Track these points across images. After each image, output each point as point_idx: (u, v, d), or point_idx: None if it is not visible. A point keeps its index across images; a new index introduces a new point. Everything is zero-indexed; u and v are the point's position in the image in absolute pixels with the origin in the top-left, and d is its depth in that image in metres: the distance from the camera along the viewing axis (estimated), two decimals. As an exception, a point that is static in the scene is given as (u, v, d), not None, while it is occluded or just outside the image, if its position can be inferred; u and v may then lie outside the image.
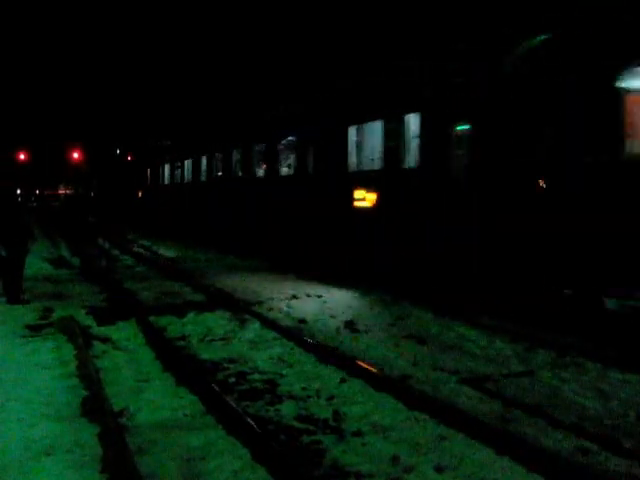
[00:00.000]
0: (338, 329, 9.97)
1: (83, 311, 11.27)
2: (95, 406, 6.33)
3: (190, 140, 29.91)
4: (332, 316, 10.91)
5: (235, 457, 5.33)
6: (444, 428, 5.91)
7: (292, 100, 20.87)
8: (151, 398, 6.84)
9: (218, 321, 10.58)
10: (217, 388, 7.15)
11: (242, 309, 11.35)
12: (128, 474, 4.81)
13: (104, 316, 10.86)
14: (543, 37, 10.06)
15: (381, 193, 13.70)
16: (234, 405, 6.58)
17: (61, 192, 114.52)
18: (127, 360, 8.41)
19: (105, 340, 9.37)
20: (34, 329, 9.85)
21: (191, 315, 10.97)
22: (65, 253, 22.07)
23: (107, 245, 25.78)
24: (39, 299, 12.38)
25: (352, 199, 14.59)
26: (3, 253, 12.03)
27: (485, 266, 10.65)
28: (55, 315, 10.86)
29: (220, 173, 24.32)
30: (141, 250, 23.19)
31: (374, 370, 7.64)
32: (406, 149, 13.16)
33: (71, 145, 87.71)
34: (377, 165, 14.18)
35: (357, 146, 15.07)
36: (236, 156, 22.46)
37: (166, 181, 32.55)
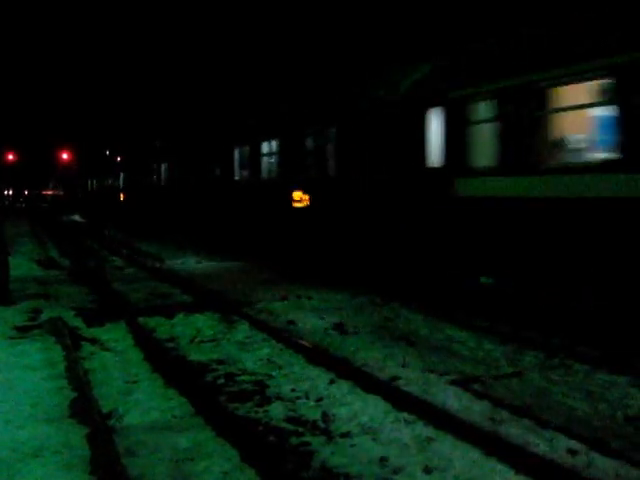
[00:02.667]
0: (327, 330, 9.98)
1: (72, 312, 11.22)
2: (83, 407, 6.31)
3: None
4: (321, 317, 10.92)
5: (224, 458, 5.32)
6: (433, 429, 5.92)
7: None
8: (140, 399, 6.82)
9: (207, 322, 10.57)
10: (206, 389, 7.16)
11: (231, 310, 11.32)
12: (117, 476, 4.80)
13: (93, 317, 10.82)
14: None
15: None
16: (223, 406, 6.59)
17: (49, 192, 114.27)
18: (116, 361, 8.38)
19: (94, 341, 9.34)
20: (22, 330, 9.81)
21: (180, 316, 10.95)
22: (54, 254, 21.98)
23: (96, 246, 25.69)
24: (27, 300, 12.32)
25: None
26: None
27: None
28: (44, 316, 10.81)
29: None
30: (129, 252, 23.08)
31: (363, 371, 7.65)
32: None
33: (60, 146, 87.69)
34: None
35: None
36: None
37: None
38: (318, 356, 8.33)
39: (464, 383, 7.33)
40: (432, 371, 7.83)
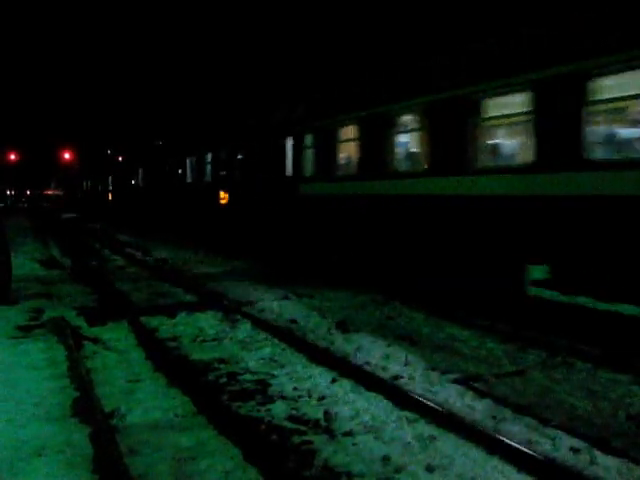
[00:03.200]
0: (329, 329, 9.97)
1: (74, 312, 11.23)
2: (86, 407, 6.31)
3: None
4: (323, 316, 10.92)
5: (226, 457, 5.33)
6: (435, 428, 5.93)
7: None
8: (142, 399, 6.83)
9: (209, 321, 10.57)
10: (208, 388, 7.16)
11: (233, 309, 11.34)
12: (119, 475, 4.81)
13: (95, 317, 10.83)
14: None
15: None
16: (225, 405, 6.59)
17: (50, 192, 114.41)
18: (118, 361, 8.39)
19: (96, 341, 9.34)
20: (24, 330, 9.81)
21: (182, 315, 10.95)
22: (56, 253, 22.00)
23: (98, 245, 25.71)
24: (30, 300, 12.33)
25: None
26: None
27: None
28: (46, 316, 10.81)
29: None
30: (131, 250, 23.10)
31: (365, 370, 7.65)
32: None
33: (62, 145, 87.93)
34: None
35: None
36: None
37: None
38: (320, 355, 8.34)
39: (466, 382, 7.33)
40: (434, 370, 7.83)
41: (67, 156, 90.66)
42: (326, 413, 6.33)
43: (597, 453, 5.35)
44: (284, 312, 11.32)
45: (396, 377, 7.49)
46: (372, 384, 7.09)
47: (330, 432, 5.91)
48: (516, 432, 5.81)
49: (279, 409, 6.52)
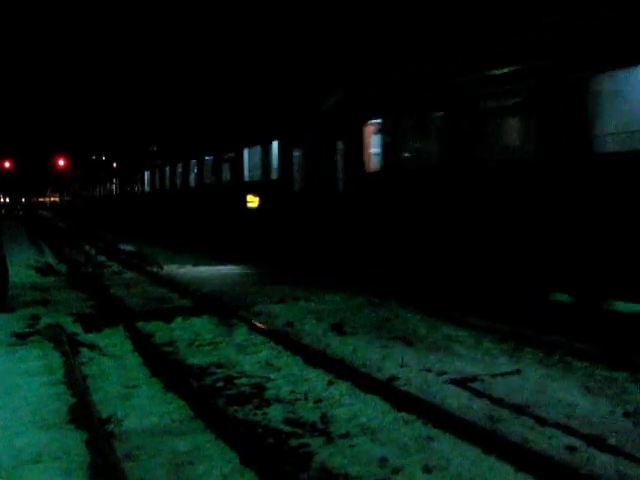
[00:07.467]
0: (325, 332, 9.98)
1: (70, 318, 11.21)
2: (82, 413, 6.30)
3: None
4: (319, 319, 10.92)
5: (224, 461, 5.32)
6: (432, 429, 5.92)
7: None
8: (139, 404, 6.81)
9: (206, 326, 10.56)
10: (205, 393, 7.15)
11: (229, 314, 11.32)
12: (116, 480, 4.80)
13: (91, 323, 10.81)
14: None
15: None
16: (222, 409, 6.59)
17: (45, 199, 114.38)
18: (115, 366, 8.37)
19: (92, 347, 9.32)
20: (21, 337, 9.80)
21: (179, 320, 10.93)
22: (51, 260, 21.96)
23: (93, 251, 25.67)
24: (26, 307, 12.31)
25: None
26: None
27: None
28: (42, 323, 10.79)
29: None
30: (127, 257, 23.09)
31: (362, 372, 7.65)
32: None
33: (57, 153, 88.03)
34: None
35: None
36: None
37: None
38: (316, 357, 8.33)
39: (463, 382, 7.34)
40: (430, 370, 7.83)
41: (61, 163, 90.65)
42: (323, 416, 6.33)
43: (594, 451, 5.36)
44: (280, 315, 11.32)
45: (392, 378, 7.50)
46: (368, 386, 7.09)
47: (327, 434, 5.90)
48: (513, 431, 5.81)
49: (276, 412, 6.51)
